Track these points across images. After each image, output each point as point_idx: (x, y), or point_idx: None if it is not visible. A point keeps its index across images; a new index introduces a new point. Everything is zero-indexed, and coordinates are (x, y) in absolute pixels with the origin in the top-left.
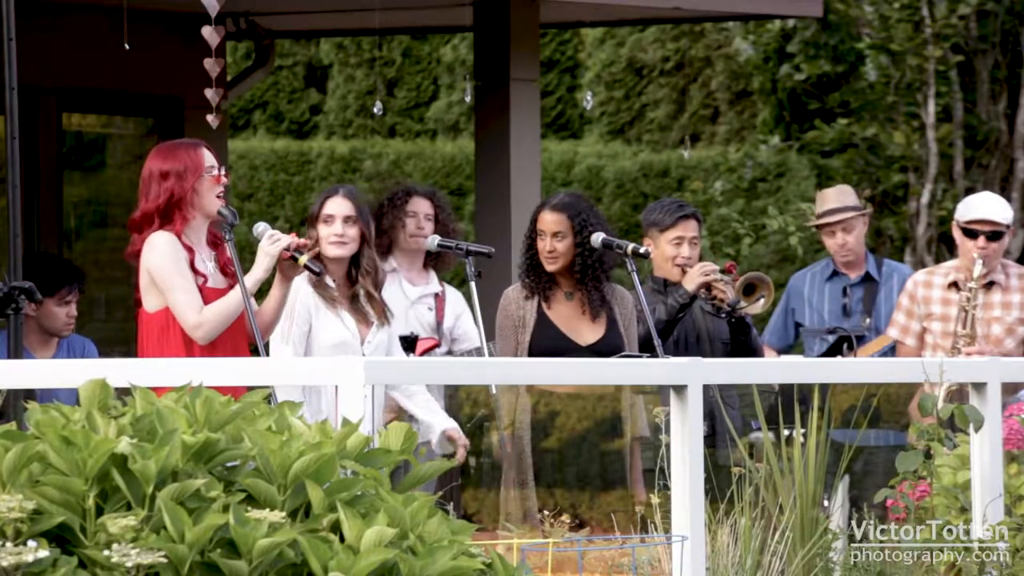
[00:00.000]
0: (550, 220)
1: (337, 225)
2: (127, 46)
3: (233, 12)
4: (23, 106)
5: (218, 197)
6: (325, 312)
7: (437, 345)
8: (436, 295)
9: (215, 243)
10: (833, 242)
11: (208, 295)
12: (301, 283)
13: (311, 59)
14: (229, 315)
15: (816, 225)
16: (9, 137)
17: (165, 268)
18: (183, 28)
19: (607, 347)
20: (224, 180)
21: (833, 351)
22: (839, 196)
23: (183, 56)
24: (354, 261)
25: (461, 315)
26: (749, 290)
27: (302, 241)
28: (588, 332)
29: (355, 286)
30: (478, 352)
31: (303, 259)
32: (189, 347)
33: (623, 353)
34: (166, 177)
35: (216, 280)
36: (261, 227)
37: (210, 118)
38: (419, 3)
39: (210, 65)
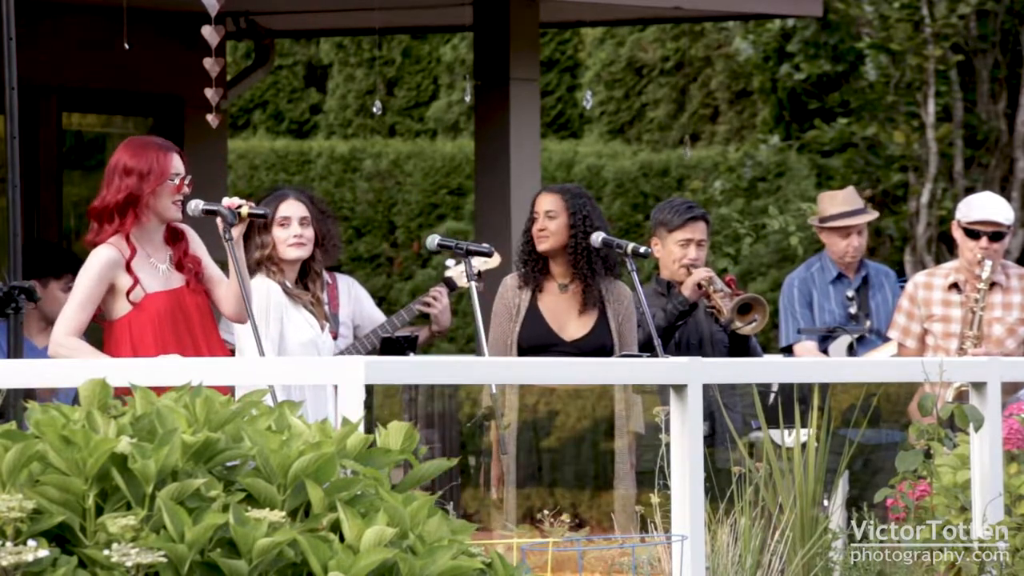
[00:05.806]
0: (544, 199)
1: (294, 226)
2: (127, 46)
3: (233, 12)
4: (23, 106)
5: (174, 204)
6: (293, 311)
7: (335, 337)
8: (327, 285)
9: (173, 240)
10: (845, 243)
11: (149, 301)
12: (271, 283)
13: (311, 59)
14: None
15: (829, 226)
16: (9, 137)
17: (83, 283)
18: (183, 28)
19: (591, 344)
20: (185, 190)
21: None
22: (851, 199)
23: (183, 56)
24: (304, 265)
25: (360, 299)
26: (744, 309)
27: (232, 202)
28: (575, 327)
29: (308, 289)
30: (381, 329)
31: (245, 211)
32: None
33: (623, 352)
34: (129, 174)
35: (161, 282)
36: (193, 204)
37: (210, 118)
38: (419, 3)
39: (210, 65)
